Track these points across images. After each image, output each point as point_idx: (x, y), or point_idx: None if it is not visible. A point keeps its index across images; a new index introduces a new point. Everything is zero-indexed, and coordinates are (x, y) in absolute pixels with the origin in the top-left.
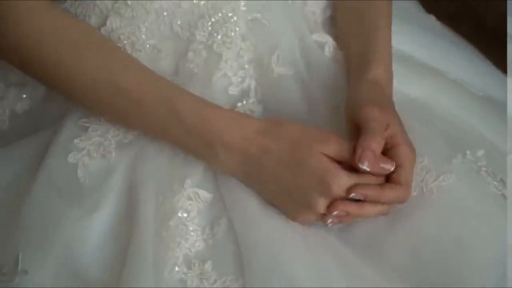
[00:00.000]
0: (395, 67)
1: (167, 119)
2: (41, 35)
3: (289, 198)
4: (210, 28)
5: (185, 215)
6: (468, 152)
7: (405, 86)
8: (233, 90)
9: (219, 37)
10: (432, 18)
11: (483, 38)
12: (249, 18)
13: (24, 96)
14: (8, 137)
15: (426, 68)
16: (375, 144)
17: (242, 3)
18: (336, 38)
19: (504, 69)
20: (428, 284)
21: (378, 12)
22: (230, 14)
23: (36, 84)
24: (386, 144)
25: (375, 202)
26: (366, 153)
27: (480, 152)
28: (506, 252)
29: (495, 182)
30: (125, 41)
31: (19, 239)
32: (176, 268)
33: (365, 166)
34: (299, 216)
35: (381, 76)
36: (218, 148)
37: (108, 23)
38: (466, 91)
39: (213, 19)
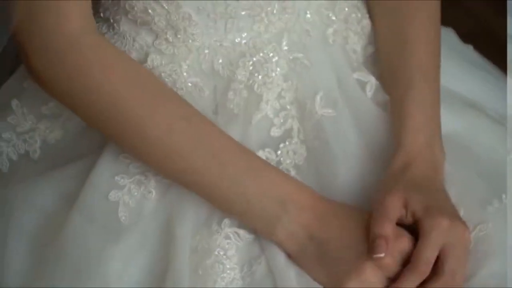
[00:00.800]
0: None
1: (246, 176)
2: (115, 85)
3: (337, 265)
4: (251, 68)
5: (222, 253)
6: (503, 196)
7: (445, 125)
8: (276, 132)
9: (260, 77)
10: (470, 48)
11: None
12: (291, 57)
13: (58, 126)
14: (39, 166)
15: (465, 103)
16: (380, 229)
17: (284, 42)
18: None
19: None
20: None
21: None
22: (271, 54)
23: (71, 116)
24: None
25: None
26: (378, 241)
27: None
28: (506, 252)
29: None
30: (166, 79)
31: (56, 274)
32: None
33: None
34: (347, 281)
35: (410, 148)
36: (290, 207)
37: (149, 60)
38: (504, 129)
39: (254, 59)
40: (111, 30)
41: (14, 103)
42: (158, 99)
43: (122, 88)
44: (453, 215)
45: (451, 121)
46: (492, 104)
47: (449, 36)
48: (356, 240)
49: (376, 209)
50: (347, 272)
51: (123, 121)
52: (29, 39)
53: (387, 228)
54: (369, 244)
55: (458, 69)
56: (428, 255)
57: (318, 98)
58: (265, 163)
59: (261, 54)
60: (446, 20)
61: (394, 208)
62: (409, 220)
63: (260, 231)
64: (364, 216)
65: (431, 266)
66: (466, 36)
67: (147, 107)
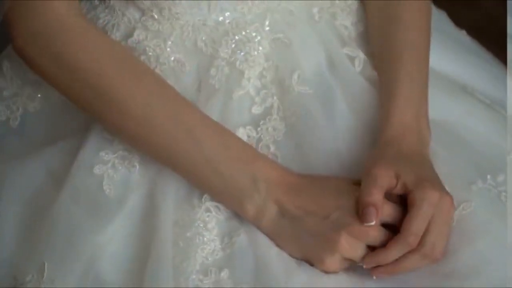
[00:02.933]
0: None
1: (219, 152)
2: (97, 64)
3: (313, 241)
4: (233, 46)
5: (201, 225)
6: (488, 176)
7: (434, 109)
8: (256, 109)
9: (242, 54)
10: (463, 33)
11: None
12: (272, 38)
13: (39, 95)
14: (18, 134)
15: (457, 88)
16: (369, 197)
17: (267, 23)
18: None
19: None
20: None
21: (404, 40)
22: (253, 34)
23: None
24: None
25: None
26: (367, 210)
27: (501, 177)
28: (506, 252)
29: None
30: (150, 53)
31: (43, 248)
32: (193, 276)
33: (371, 223)
34: (324, 257)
35: (399, 122)
36: (261, 184)
37: (135, 34)
38: (495, 113)
39: (236, 37)
40: (102, 3)
41: (5, 65)
42: (138, 78)
43: (104, 68)
44: (443, 188)
45: (441, 104)
46: (483, 88)
47: (442, 21)
48: (329, 211)
49: (365, 179)
50: (322, 247)
51: (104, 99)
52: (16, 21)
53: (377, 195)
54: (359, 212)
55: (450, 53)
56: (418, 226)
57: (295, 76)
58: (239, 140)
59: (243, 33)
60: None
61: (383, 178)
62: (399, 191)
63: (233, 208)
64: (338, 184)
65: (419, 237)
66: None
67: (128, 86)
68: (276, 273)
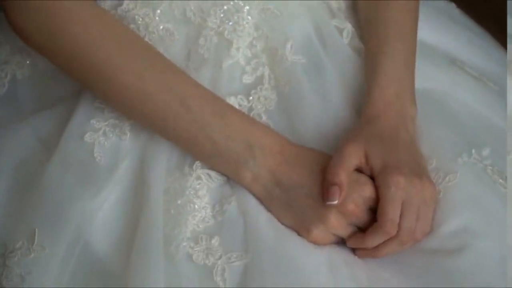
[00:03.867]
0: (417, 61)
1: (213, 120)
2: (90, 36)
3: (303, 212)
4: (222, 15)
5: (192, 193)
6: (473, 151)
7: (423, 80)
8: (247, 79)
9: (230, 23)
10: (453, 6)
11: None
12: (261, 8)
13: (28, 62)
14: (7, 101)
15: (446, 60)
16: (334, 177)
17: None
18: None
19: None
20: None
21: (390, 19)
22: (241, 4)
23: None
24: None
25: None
26: (331, 189)
27: (486, 151)
28: (506, 252)
29: (501, 180)
30: (139, 22)
31: (33, 215)
32: (184, 243)
33: (333, 202)
34: (312, 229)
35: (379, 101)
36: (257, 151)
37: (124, 3)
38: (484, 86)
39: (225, 7)
40: None
41: None
42: (130, 48)
43: (98, 41)
44: (412, 171)
45: (430, 76)
46: (473, 61)
47: None
48: (321, 187)
49: (334, 157)
50: (312, 219)
51: (97, 70)
52: None
53: (342, 175)
54: (323, 191)
55: (439, 26)
56: (391, 213)
57: (288, 45)
58: (233, 108)
59: (231, 3)
60: None
61: (352, 156)
62: (367, 172)
63: (228, 173)
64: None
65: (396, 224)
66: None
67: (120, 54)
68: (266, 240)
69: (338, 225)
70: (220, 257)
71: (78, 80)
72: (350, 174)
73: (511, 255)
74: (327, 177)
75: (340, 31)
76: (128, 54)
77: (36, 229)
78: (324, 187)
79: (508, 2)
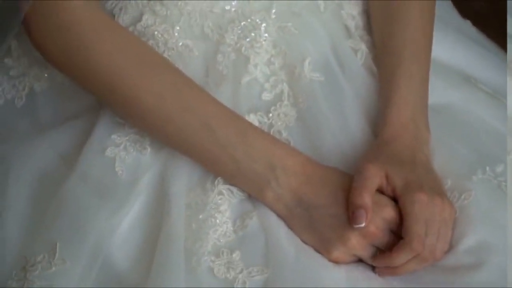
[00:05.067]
0: (431, 78)
1: (235, 140)
2: (111, 56)
3: (325, 233)
4: (239, 32)
5: (214, 208)
6: (487, 168)
7: (437, 96)
8: (267, 96)
9: (247, 40)
10: (468, 24)
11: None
12: (278, 25)
13: (46, 75)
14: (25, 114)
15: (460, 77)
16: (359, 200)
17: (273, 11)
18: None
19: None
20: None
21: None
22: (258, 21)
23: None
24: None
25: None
26: (357, 212)
27: (500, 167)
28: (506, 252)
29: None
30: (158, 38)
31: (54, 229)
32: (205, 257)
33: (361, 225)
34: (333, 250)
35: (395, 122)
36: (279, 171)
37: (144, 19)
38: (497, 102)
39: (242, 23)
40: None
41: (13, 43)
42: (152, 69)
43: (118, 60)
44: (433, 190)
45: (445, 93)
46: (487, 78)
47: (447, 10)
48: (343, 207)
49: (356, 179)
50: (333, 240)
51: (118, 90)
52: (33, 15)
53: (366, 198)
54: (349, 214)
55: (453, 43)
56: (417, 230)
57: (306, 63)
58: (255, 127)
59: (249, 20)
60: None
61: (374, 178)
62: (389, 193)
63: (250, 192)
64: (351, 181)
65: (422, 241)
66: (476, 17)
67: (141, 77)
68: (286, 255)
69: (358, 246)
70: (241, 271)
71: (99, 99)
72: (373, 195)
73: (511, 256)
74: (351, 200)
75: (355, 51)
76: (149, 73)
77: (58, 242)
78: (350, 210)
79: (508, 2)
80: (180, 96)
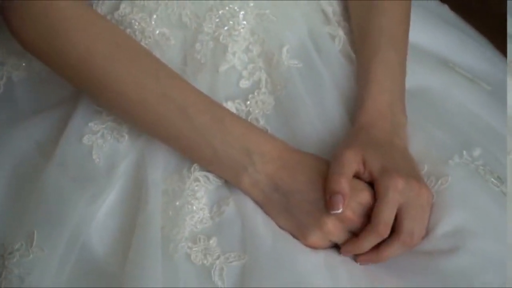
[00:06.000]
0: (409, 63)
1: (213, 127)
2: (90, 44)
3: (301, 218)
4: (217, 20)
5: (190, 194)
6: (464, 152)
7: (415, 80)
8: (244, 83)
9: (225, 28)
10: (446, 8)
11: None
12: (257, 13)
13: (23, 64)
14: (3, 103)
15: (438, 62)
16: (336, 185)
17: (251, 0)
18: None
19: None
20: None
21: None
22: (236, 9)
23: None
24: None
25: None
26: (334, 198)
27: (477, 151)
28: (506, 252)
29: (493, 180)
30: (135, 26)
31: (32, 217)
32: (182, 243)
33: (338, 211)
34: (310, 235)
35: (372, 109)
36: (256, 157)
37: (121, 7)
38: (476, 86)
39: (220, 12)
40: None
41: None
42: (130, 56)
43: (96, 47)
44: (409, 175)
45: (423, 78)
46: (465, 63)
47: None
48: (320, 193)
49: (333, 165)
50: (309, 225)
51: (95, 77)
52: (14, 5)
53: (343, 183)
54: (326, 200)
55: (431, 28)
56: (386, 215)
57: (284, 50)
58: (232, 114)
59: (227, 8)
60: None
61: (351, 163)
62: (366, 178)
63: (227, 179)
64: (329, 168)
65: (389, 226)
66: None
67: (119, 63)
68: (263, 240)
69: (335, 231)
70: (218, 257)
71: (75, 86)
72: (351, 181)
73: (511, 255)
74: (329, 185)
75: (333, 37)
76: (127, 60)
77: (35, 230)
78: (327, 195)
79: (508, 2)
80: (158, 83)
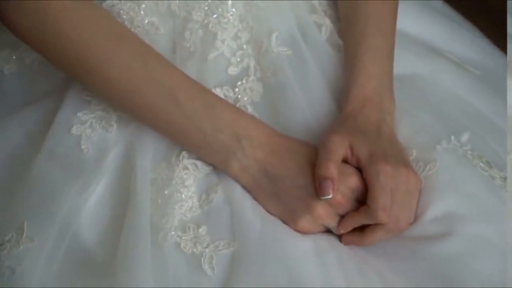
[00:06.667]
0: (397, 50)
1: (202, 112)
2: (79, 30)
3: (291, 202)
4: (206, 8)
5: (179, 182)
6: (452, 137)
7: (403, 67)
8: (233, 70)
9: (214, 16)
10: None
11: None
12: (245, 0)
13: (14, 57)
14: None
15: (427, 49)
16: (325, 171)
17: None
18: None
19: (503, 47)
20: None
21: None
22: None
23: (27, 48)
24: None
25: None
26: (324, 183)
27: (465, 136)
28: (506, 252)
29: (481, 164)
30: (124, 16)
31: (22, 208)
32: (172, 232)
33: (328, 196)
34: (300, 220)
35: (360, 95)
36: (245, 142)
37: None
38: (464, 71)
39: (209, 0)
40: None
41: None
42: (120, 41)
43: (85, 32)
44: (397, 161)
45: (412, 64)
46: (453, 49)
47: None
48: (309, 178)
49: (321, 151)
50: (299, 210)
51: (85, 62)
52: None
53: (332, 169)
54: (316, 186)
55: (419, 15)
56: (383, 201)
57: (274, 37)
58: (221, 99)
59: None
60: None
61: (338, 149)
62: (354, 163)
63: (216, 164)
64: (317, 154)
65: (388, 212)
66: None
67: (108, 48)
68: (252, 227)
69: (325, 215)
70: (208, 245)
71: (67, 72)
72: (339, 166)
73: (511, 256)
74: (318, 171)
75: (319, 26)
76: (117, 45)
77: (25, 221)
78: (316, 181)
79: (508, 2)
80: (148, 68)
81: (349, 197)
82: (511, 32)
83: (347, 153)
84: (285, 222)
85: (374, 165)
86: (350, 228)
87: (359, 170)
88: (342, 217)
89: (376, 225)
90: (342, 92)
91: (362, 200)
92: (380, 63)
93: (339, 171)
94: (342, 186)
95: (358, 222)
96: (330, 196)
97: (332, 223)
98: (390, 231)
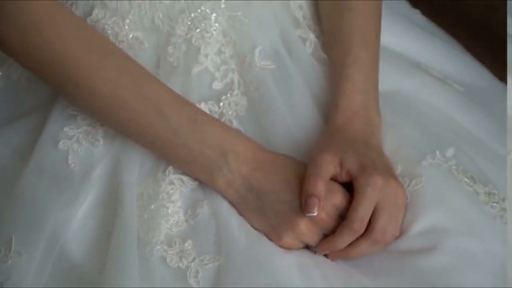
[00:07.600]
0: (382, 66)
1: (187, 127)
2: (65, 43)
3: (275, 218)
4: (189, 23)
5: (165, 197)
6: (437, 152)
7: (387, 83)
8: (217, 85)
9: (197, 30)
10: (417, 13)
11: (468, 31)
12: (228, 15)
13: (0, 74)
14: None
15: (411, 65)
16: (312, 188)
17: (223, 1)
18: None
19: (489, 61)
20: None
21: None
22: (208, 11)
23: (13, 64)
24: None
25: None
26: (310, 200)
27: (450, 152)
28: (506, 252)
29: (466, 179)
30: (109, 31)
31: (10, 223)
32: (158, 247)
33: (313, 214)
34: (283, 236)
35: (347, 109)
36: (230, 157)
37: (94, 13)
38: (448, 87)
39: (192, 15)
40: None
41: None
42: (104, 56)
43: (71, 45)
44: (387, 173)
45: (396, 80)
46: (437, 65)
47: (397, 1)
48: (293, 194)
49: (310, 167)
50: (283, 226)
51: (71, 76)
52: None
53: (320, 186)
54: (302, 202)
55: (403, 31)
56: (363, 212)
57: (257, 51)
58: (206, 114)
59: (199, 11)
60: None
61: (327, 166)
62: (344, 178)
63: (202, 179)
64: (303, 169)
65: (365, 223)
66: (435, 12)
67: (94, 63)
68: (238, 242)
69: (307, 232)
70: (194, 259)
71: (54, 87)
72: (327, 184)
73: (511, 256)
74: (305, 187)
75: (304, 40)
76: (103, 61)
77: (13, 236)
78: (303, 197)
79: (509, 2)
80: (133, 82)
81: (333, 214)
82: (511, 32)
83: (336, 170)
84: (269, 237)
85: (365, 176)
86: (328, 251)
87: (350, 183)
88: (324, 235)
89: (362, 236)
90: (328, 105)
91: (345, 216)
92: (366, 77)
93: (326, 188)
94: (327, 204)
95: (339, 242)
96: (315, 214)
97: (313, 240)
98: (376, 243)
